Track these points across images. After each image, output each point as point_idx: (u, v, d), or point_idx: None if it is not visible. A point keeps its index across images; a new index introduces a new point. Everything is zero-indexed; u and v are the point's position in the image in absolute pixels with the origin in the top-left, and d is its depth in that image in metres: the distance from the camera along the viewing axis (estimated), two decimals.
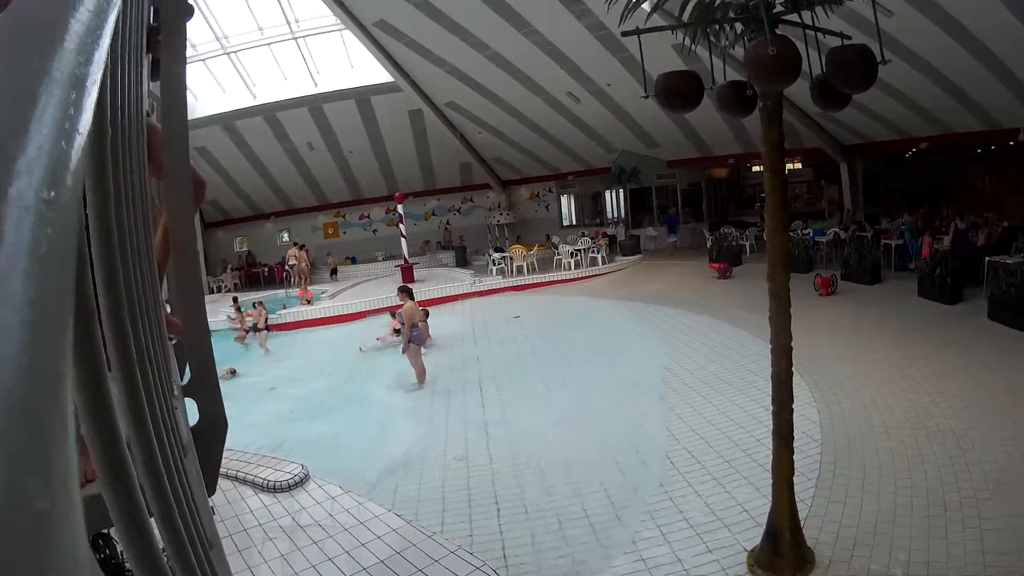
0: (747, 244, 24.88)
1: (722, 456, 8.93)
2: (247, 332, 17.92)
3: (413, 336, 12.79)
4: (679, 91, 5.42)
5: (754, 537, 6.71)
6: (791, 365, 6.01)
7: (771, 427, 6.27)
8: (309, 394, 13.32)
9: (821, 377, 11.45)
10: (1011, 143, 18.93)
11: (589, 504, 8.08)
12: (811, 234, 22.77)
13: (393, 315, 16.14)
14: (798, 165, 30.07)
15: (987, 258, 16.20)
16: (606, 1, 5.65)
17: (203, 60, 23.86)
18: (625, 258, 25.94)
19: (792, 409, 6.06)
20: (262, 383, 14.43)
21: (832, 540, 6.82)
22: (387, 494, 8.36)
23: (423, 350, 14.14)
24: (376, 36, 21.53)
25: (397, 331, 15.44)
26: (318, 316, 20.16)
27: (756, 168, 30.67)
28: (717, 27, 5.60)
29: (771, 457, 6.26)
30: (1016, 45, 13.57)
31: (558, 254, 24.58)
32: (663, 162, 28.34)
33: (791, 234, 20.72)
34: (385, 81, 23.94)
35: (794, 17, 5.38)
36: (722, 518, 7.42)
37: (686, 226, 29.97)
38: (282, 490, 7.83)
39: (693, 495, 7.98)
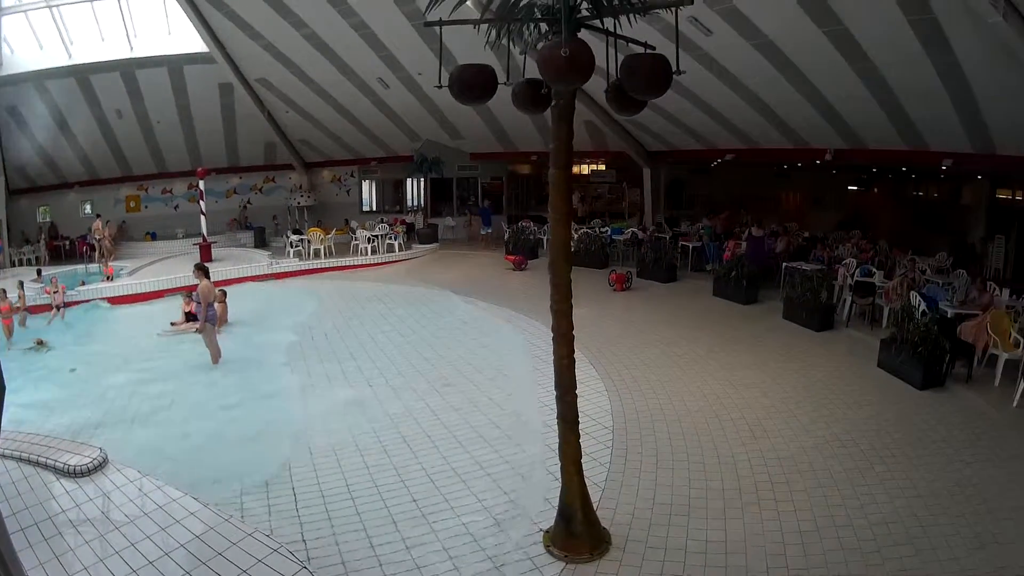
0: (544, 238, 24.91)
1: (514, 441, 9.01)
2: (52, 309, 16.92)
3: (208, 315, 12.72)
4: (472, 83, 5.62)
5: (550, 519, 6.76)
6: (572, 352, 6.30)
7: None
8: (107, 374, 12.61)
9: (614, 367, 11.78)
10: (817, 161, 20.42)
11: (383, 486, 7.92)
12: (609, 232, 23.46)
13: (187, 296, 15.86)
14: (603, 167, 31.47)
15: (784, 264, 17.62)
16: None
17: (24, 12, 22.49)
18: (422, 246, 26.23)
19: (575, 394, 6.32)
20: (63, 362, 13.59)
21: (628, 520, 6.97)
22: (187, 478, 7.98)
23: (219, 330, 14.06)
24: (197, 2, 21.02)
25: (189, 314, 15.27)
26: (118, 294, 19.27)
27: None
28: (522, 25, 5.77)
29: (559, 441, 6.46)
30: (830, 73, 14.47)
31: (355, 239, 24.63)
32: (466, 154, 29.02)
33: (588, 231, 21.49)
34: (200, 51, 23.33)
35: (622, 21, 5.61)
36: (516, 500, 7.45)
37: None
38: (81, 475, 7.47)
39: (487, 478, 7.99)
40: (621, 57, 5.58)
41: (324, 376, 12.11)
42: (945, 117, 14.09)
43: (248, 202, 31.11)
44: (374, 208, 32.06)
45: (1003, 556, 6.44)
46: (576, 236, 22.47)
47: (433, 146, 27.56)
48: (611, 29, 5.71)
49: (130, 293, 19.36)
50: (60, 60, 23.12)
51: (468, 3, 5.83)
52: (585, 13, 5.51)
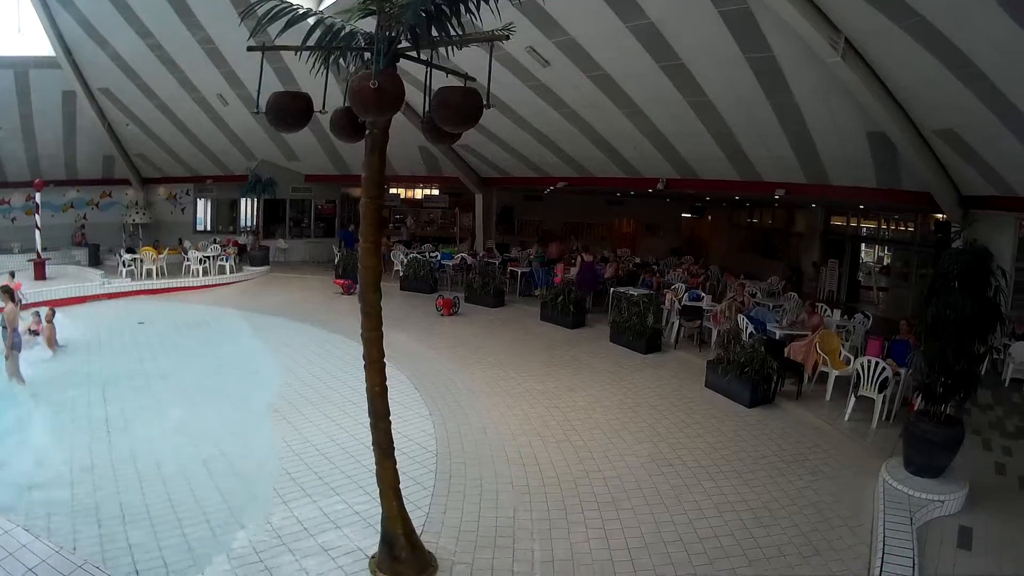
0: None
1: (338, 467, 8.76)
2: None
3: (15, 342, 12.14)
4: (288, 111, 5.71)
5: (374, 544, 6.57)
6: (384, 380, 6.33)
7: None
8: None
9: (438, 391, 11.70)
10: (650, 191, 20.98)
11: (212, 514, 7.56)
12: (439, 257, 23.72)
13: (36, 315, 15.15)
14: (436, 191, 31.77)
15: (612, 289, 17.98)
16: (239, 14, 5.93)
17: None
18: (253, 269, 25.96)
19: (389, 422, 6.30)
20: None
21: (454, 544, 6.83)
22: (16, 509, 7.51)
23: (53, 352, 14.17)
24: (49, 3, 20.33)
25: (33, 332, 14.61)
26: None
27: (393, 190, 31.70)
28: (343, 53, 5.87)
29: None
30: (665, 106, 15.01)
31: (188, 260, 24.19)
32: (301, 176, 29.08)
33: (418, 256, 21.45)
34: (47, 55, 22.48)
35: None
36: (342, 526, 7.22)
37: (317, 240, 30.81)
38: None
39: (311, 504, 7.72)
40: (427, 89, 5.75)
41: (149, 402, 11.55)
42: (780, 150, 14.73)
43: (85, 217, 30.07)
44: (208, 228, 31.54)
45: (839, 562, 6.64)
46: (405, 261, 22.61)
47: (268, 166, 27.45)
48: (430, 59, 5.85)
49: None
50: None
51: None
52: (405, 44, 5.62)
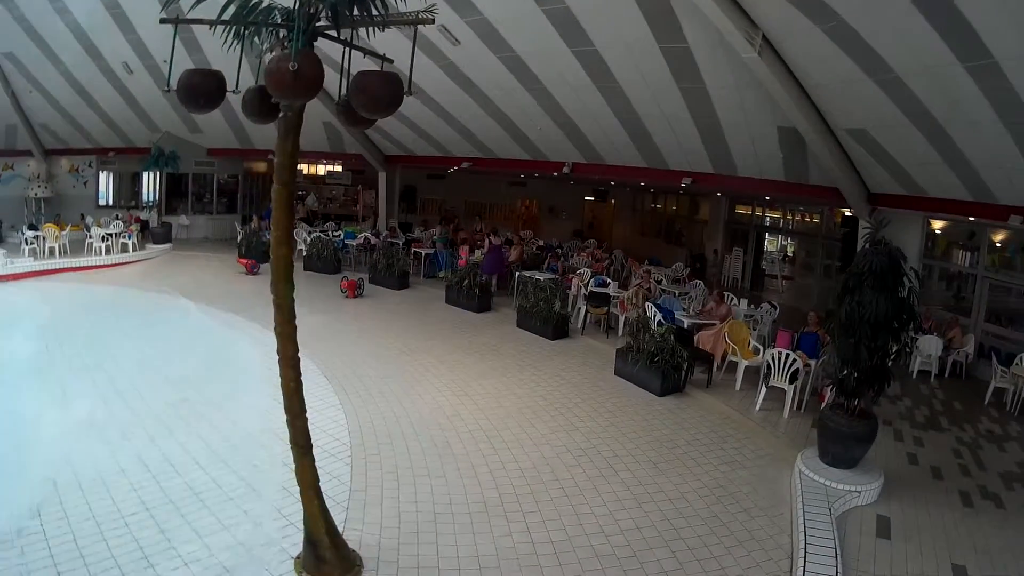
0: None
1: (252, 464, 8.49)
2: None
3: None
4: (200, 91, 5.46)
5: (298, 544, 6.48)
6: (299, 375, 6.14)
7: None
8: None
9: (347, 379, 11.55)
10: (555, 174, 21.00)
11: (130, 520, 7.19)
12: (342, 236, 23.68)
13: None
14: (339, 168, 31.38)
15: (518, 272, 18.05)
16: None
17: None
18: (156, 246, 25.31)
19: (306, 419, 6.13)
20: None
21: (376, 541, 6.78)
22: None
23: None
24: None
25: None
26: None
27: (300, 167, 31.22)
28: (258, 29, 5.61)
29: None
30: (575, 91, 15.14)
31: (90, 237, 23.40)
32: (204, 149, 28.30)
33: (321, 235, 21.10)
34: None
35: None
36: (264, 526, 7.06)
37: (219, 217, 30.22)
38: None
39: (232, 504, 7.49)
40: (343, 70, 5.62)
41: (56, 395, 10.97)
42: (688, 139, 14.97)
43: None
44: (111, 203, 30.61)
45: (761, 552, 6.84)
46: (308, 240, 22.33)
47: (171, 139, 26.62)
48: (348, 39, 5.70)
49: None
50: None
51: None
52: (325, 22, 5.42)
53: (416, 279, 20.53)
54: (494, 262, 18.65)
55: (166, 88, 5.85)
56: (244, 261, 21.59)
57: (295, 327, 6.07)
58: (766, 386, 10.94)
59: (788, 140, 13.48)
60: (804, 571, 6.24)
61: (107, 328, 15.04)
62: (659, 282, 17.58)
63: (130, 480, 7.99)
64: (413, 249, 22.27)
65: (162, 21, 5.68)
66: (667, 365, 11.35)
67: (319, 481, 6.24)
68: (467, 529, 7.04)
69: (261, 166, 31.57)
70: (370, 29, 5.52)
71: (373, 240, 22.95)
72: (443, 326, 15.53)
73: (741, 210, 25.23)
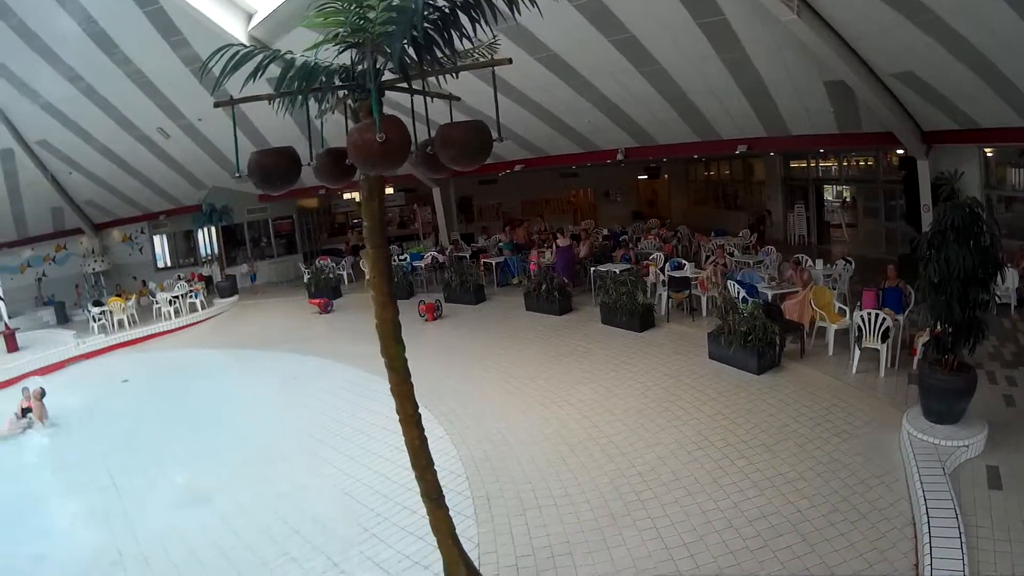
0: (344, 274, 25.43)
1: (376, 512, 8.73)
2: None
3: None
4: (274, 171, 5.35)
5: None
6: (423, 431, 6.18)
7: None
8: None
9: (447, 405, 11.68)
10: (608, 161, 21.40)
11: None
12: (408, 259, 23.48)
13: (25, 390, 14.99)
14: (390, 190, 31.43)
15: (592, 268, 18.00)
16: (200, 70, 5.63)
17: None
18: (224, 300, 25.66)
19: (435, 471, 6.25)
20: None
21: (514, 572, 7.01)
22: None
23: (43, 427, 14.27)
24: None
25: (25, 410, 14.61)
26: None
27: (347, 196, 31.56)
28: (324, 94, 5.51)
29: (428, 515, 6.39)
30: (617, 79, 15.40)
31: (156, 302, 23.86)
32: (254, 196, 28.60)
33: None
34: None
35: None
36: (397, 574, 7.33)
37: (280, 259, 30.75)
38: None
39: (361, 558, 7.76)
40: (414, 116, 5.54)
41: (150, 471, 11.42)
42: (737, 108, 15.13)
43: (43, 274, 30.06)
44: (168, 263, 31.42)
45: (885, 522, 6.97)
46: None
47: (220, 193, 27.21)
48: (424, 87, 5.62)
49: None
50: None
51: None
52: (390, 77, 5.29)
53: (490, 289, 20.58)
54: (566, 262, 18.74)
55: (236, 175, 5.58)
56: (316, 301, 21.89)
57: (411, 386, 6.09)
58: (859, 348, 10.98)
59: (836, 93, 13.58)
60: (930, 536, 6.36)
61: (196, 391, 15.58)
62: (731, 254, 17.61)
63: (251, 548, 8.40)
64: (482, 260, 22.31)
65: (216, 105, 5.63)
66: (761, 342, 11.41)
67: (455, 529, 6.38)
68: (600, 545, 7.20)
69: (312, 202, 32.10)
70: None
71: (440, 258, 23.09)
72: (529, 335, 15.64)
73: (796, 165, 24.95)
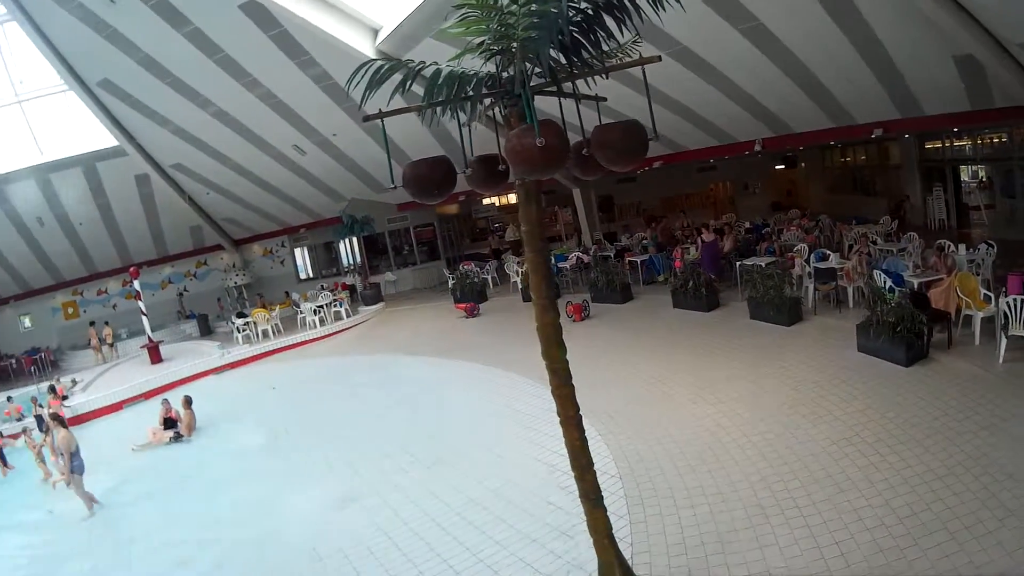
0: (489, 278, 25.71)
1: (526, 511, 9.03)
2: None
3: (74, 465, 12.40)
4: (430, 181, 5.36)
5: None
6: (583, 432, 6.23)
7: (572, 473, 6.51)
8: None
9: (599, 405, 11.69)
10: (746, 152, 21.17)
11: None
12: (554, 260, 23.35)
13: (165, 402, 15.97)
14: None
15: (738, 263, 17.92)
16: (345, 86, 5.57)
17: None
18: (368, 308, 26.41)
19: (594, 472, 6.33)
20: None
21: (666, 572, 7.16)
22: None
23: (188, 438, 15.10)
24: (100, 96, 21.45)
25: (168, 420, 15.39)
26: (75, 413, 18.51)
27: (487, 201, 32.22)
28: (475, 102, 5.49)
29: (584, 516, 6.52)
30: (748, 67, 15.29)
31: (300, 312, 24.60)
32: (393, 206, 29.39)
33: None
34: (111, 146, 23.77)
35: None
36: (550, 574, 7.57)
37: (423, 266, 31.30)
38: None
39: (512, 558, 8.04)
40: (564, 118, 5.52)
41: (302, 473, 12.21)
42: (869, 90, 14.89)
43: (185, 289, 31.66)
44: (310, 275, 32.55)
45: None
46: (521, 272, 22.73)
47: (359, 204, 27.97)
48: (574, 91, 5.60)
49: (86, 411, 19.00)
50: None
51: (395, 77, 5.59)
52: (538, 81, 5.32)
53: (636, 288, 20.59)
54: (711, 257, 18.64)
55: (392, 186, 5.74)
56: (462, 306, 22.25)
57: (572, 388, 6.15)
58: (1005, 336, 10.70)
59: (967, 68, 13.22)
60: None
61: (343, 397, 16.07)
62: (873, 243, 17.21)
63: (400, 549, 8.82)
64: (627, 259, 22.29)
65: (365, 119, 5.60)
66: (909, 333, 11.24)
67: (612, 529, 6.45)
68: (753, 544, 7.29)
69: (452, 208, 32.65)
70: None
71: (585, 258, 23.21)
72: (678, 333, 15.69)
73: (931, 146, 23.94)
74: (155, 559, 10.09)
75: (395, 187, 5.61)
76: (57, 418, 13.31)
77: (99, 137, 23.54)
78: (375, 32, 16.58)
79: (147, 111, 21.51)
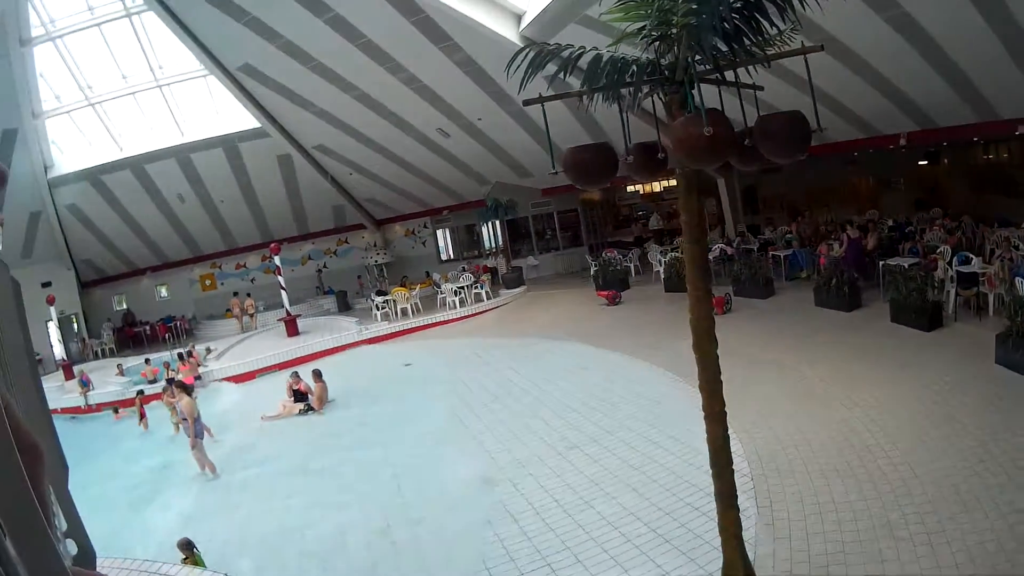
0: (632, 266, 25.83)
1: (659, 507, 9.16)
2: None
3: (197, 430, 13.07)
4: (592, 167, 5.40)
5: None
6: (727, 430, 6.20)
7: (707, 469, 6.59)
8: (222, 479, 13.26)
9: (732, 402, 11.12)
10: (891, 147, 20.82)
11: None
12: None
13: (294, 374, 16.62)
14: (674, 181, 31.80)
15: (881, 262, 17.46)
16: (505, 71, 5.59)
17: (68, 113, 24.48)
18: (509, 291, 26.66)
19: (733, 471, 6.29)
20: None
21: None
22: None
23: (320, 411, 15.61)
24: (241, 81, 22.21)
25: (297, 392, 16.00)
26: (210, 379, 20.01)
27: (631, 188, 32.13)
28: (637, 89, 5.47)
29: (717, 516, 6.53)
30: (893, 58, 14.90)
31: (441, 292, 25.05)
32: (538, 191, 29.47)
33: (678, 256, 21.13)
34: (252, 127, 24.76)
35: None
36: (671, 571, 7.75)
37: (566, 252, 31.41)
38: None
39: (636, 552, 8.24)
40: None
41: (439, 452, 12.68)
42: (1014, 83, 14.45)
43: (324, 266, 32.58)
44: (452, 256, 32.99)
45: None
46: (664, 261, 22.59)
47: (504, 188, 28.18)
48: (736, 79, 5.62)
49: (223, 377, 20.19)
50: (112, 154, 24.87)
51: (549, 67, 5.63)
52: (700, 68, 5.29)
53: (779, 283, 20.40)
54: (855, 255, 18.33)
55: (553, 171, 5.63)
56: (604, 293, 22.27)
57: (721, 383, 6.13)
58: None
59: None
60: None
61: (482, 378, 16.37)
62: (1016, 247, 16.52)
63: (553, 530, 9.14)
64: (770, 252, 22.03)
65: (525, 103, 5.63)
66: None
67: (742, 531, 6.44)
68: (875, 557, 7.18)
69: (595, 195, 32.49)
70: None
71: (729, 250, 22.98)
72: (818, 333, 15.49)
73: None
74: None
75: (556, 172, 5.55)
76: (182, 385, 14.12)
77: (241, 119, 24.42)
78: (518, 17, 16.72)
79: (289, 94, 22.06)
